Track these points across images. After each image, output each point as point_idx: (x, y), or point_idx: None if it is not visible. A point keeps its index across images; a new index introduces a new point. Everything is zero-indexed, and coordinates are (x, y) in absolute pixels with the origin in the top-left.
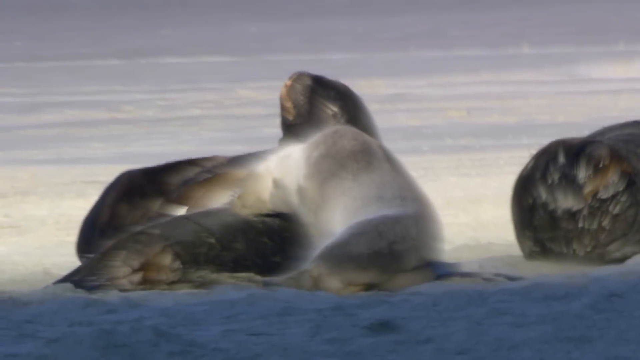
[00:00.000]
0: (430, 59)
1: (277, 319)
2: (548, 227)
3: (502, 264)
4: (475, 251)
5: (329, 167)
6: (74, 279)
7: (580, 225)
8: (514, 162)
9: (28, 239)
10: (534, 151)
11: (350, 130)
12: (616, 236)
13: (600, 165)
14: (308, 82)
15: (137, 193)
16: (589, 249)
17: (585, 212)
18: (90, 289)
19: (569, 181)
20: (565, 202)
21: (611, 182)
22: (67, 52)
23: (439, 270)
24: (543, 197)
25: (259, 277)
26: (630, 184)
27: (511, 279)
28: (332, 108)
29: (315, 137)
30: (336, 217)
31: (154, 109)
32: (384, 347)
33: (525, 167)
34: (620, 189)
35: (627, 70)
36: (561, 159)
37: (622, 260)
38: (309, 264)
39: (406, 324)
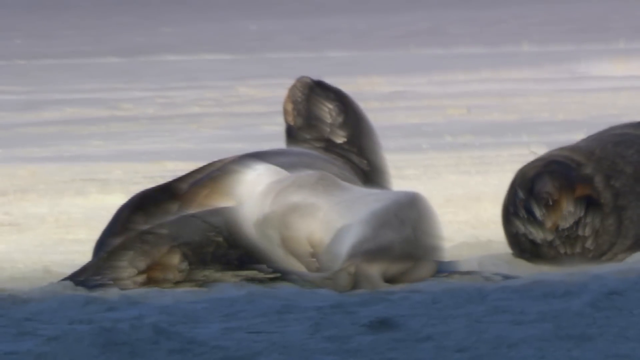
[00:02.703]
0: (430, 56)
1: (277, 317)
2: (535, 253)
3: (502, 262)
4: (475, 249)
5: (296, 192)
6: (79, 279)
7: (562, 251)
8: (514, 159)
9: (28, 237)
10: (533, 149)
11: (314, 173)
12: (603, 250)
13: (550, 202)
14: (308, 81)
15: (152, 202)
16: (580, 265)
17: (557, 242)
18: (91, 287)
19: (532, 217)
20: (539, 234)
21: (567, 213)
22: (67, 49)
23: (438, 268)
24: (522, 229)
25: (265, 268)
26: (590, 205)
27: (508, 277)
28: (329, 106)
29: (280, 176)
30: (319, 222)
31: (154, 107)
32: (383, 344)
33: (505, 197)
34: (581, 214)
35: (627, 68)
36: (520, 195)
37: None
38: (340, 262)
39: (406, 322)
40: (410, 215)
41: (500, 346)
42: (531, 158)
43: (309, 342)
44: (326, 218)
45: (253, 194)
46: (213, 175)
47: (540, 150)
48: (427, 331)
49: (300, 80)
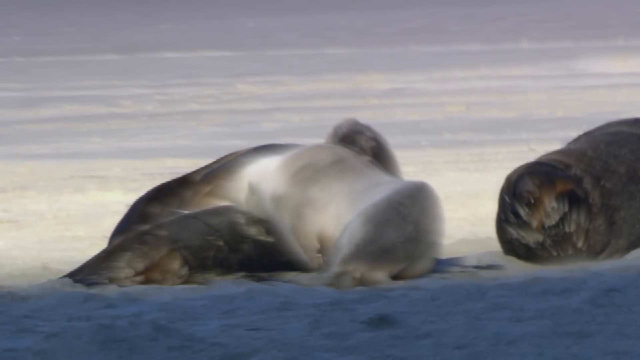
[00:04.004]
0: (429, 53)
1: (276, 314)
2: (531, 257)
3: (501, 259)
4: (474, 246)
5: (311, 175)
6: (76, 277)
7: (554, 253)
8: (513, 156)
9: (27, 234)
10: (533, 146)
11: (329, 145)
12: (596, 251)
13: (532, 201)
14: (355, 119)
15: (166, 192)
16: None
17: (548, 242)
18: (89, 285)
19: (520, 220)
20: (529, 237)
21: (550, 209)
22: (66, 46)
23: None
24: (514, 235)
25: (264, 275)
26: (574, 201)
27: (491, 267)
28: (366, 133)
29: (294, 151)
30: (330, 216)
31: (153, 104)
32: (382, 341)
33: (497, 207)
34: (566, 209)
35: (626, 65)
36: (506, 199)
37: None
38: (343, 264)
39: (405, 319)
40: (412, 211)
41: (499, 343)
42: (530, 155)
43: (307, 339)
44: (337, 212)
45: (267, 169)
46: (226, 165)
47: (539, 147)
48: (426, 328)
49: (348, 118)
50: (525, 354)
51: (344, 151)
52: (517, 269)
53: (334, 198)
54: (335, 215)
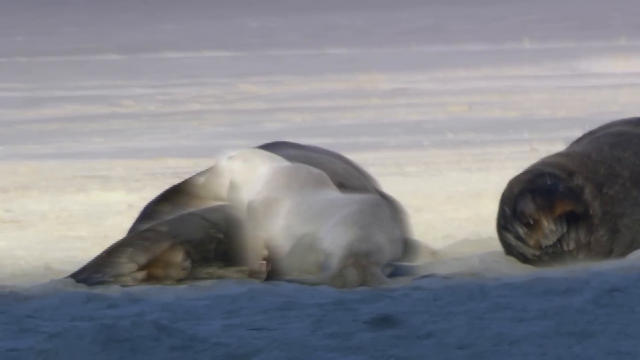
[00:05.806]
0: (431, 53)
1: (278, 314)
2: (527, 263)
3: (503, 259)
4: (476, 245)
5: (278, 186)
6: (80, 277)
7: (553, 264)
8: (515, 156)
9: (29, 234)
10: (535, 146)
11: (309, 167)
12: (598, 259)
13: (531, 222)
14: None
15: (176, 192)
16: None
17: (546, 258)
18: (92, 284)
19: (518, 235)
20: (526, 249)
21: (548, 231)
22: (68, 46)
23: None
24: (513, 242)
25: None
26: (573, 220)
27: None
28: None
29: (281, 165)
30: (278, 226)
31: (155, 104)
32: (385, 341)
33: (498, 208)
34: (564, 231)
35: (628, 65)
36: (507, 211)
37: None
38: (342, 262)
39: (407, 319)
40: (384, 216)
41: (501, 343)
42: (532, 154)
43: (310, 338)
44: (286, 223)
45: (254, 172)
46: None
47: (542, 147)
48: (429, 328)
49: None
50: (527, 354)
51: (317, 171)
52: (519, 269)
53: (285, 210)
54: (283, 226)
